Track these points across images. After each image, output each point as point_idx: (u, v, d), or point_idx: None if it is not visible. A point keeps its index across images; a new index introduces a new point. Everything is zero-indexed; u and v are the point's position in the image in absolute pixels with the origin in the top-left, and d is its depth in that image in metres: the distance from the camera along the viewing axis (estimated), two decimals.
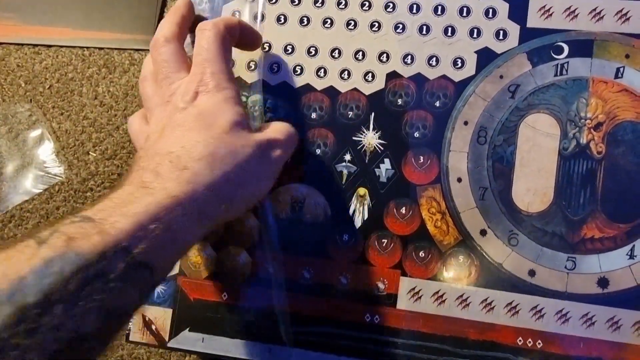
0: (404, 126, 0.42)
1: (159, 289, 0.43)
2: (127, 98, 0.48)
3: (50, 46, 0.48)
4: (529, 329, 0.40)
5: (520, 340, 0.40)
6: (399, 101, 0.42)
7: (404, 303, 0.41)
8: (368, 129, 0.42)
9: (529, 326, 0.40)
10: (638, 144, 0.39)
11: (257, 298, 0.42)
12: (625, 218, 0.39)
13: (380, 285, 0.41)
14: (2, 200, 0.44)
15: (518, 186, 0.40)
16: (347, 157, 0.42)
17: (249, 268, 0.43)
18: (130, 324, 0.42)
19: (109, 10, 0.45)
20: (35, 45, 0.49)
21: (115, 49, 0.46)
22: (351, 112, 0.43)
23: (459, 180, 0.41)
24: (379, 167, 0.42)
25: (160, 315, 0.43)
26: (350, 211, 0.42)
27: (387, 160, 0.42)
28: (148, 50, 0.34)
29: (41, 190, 0.45)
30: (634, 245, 0.39)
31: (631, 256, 0.39)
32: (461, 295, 0.40)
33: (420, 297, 0.41)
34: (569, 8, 0.41)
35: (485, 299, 0.40)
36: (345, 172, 0.42)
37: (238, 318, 0.42)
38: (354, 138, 0.42)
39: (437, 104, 0.41)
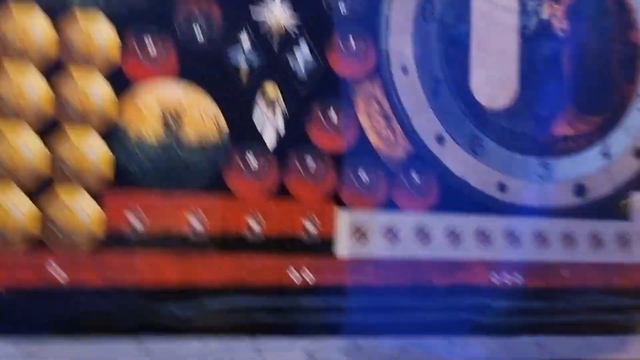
0: None
1: None
2: None
3: None
4: (504, 261, 0.30)
5: (495, 277, 0.30)
6: None
7: (345, 248, 0.28)
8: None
9: (504, 256, 0.30)
10: (601, 19, 0.32)
11: (119, 271, 0.26)
12: (596, 109, 0.32)
13: (310, 227, 0.28)
14: None
15: (477, 75, 0.31)
16: (245, 41, 0.28)
17: (99, 223, 0.26)
18: None
19: None
20: None
21: None
22: None
23: (405, 70, 0.30)
24: (294, 56, 0.28)
25: None
26: (256, 121, 0.28)
27: (304, 45, 0.29)
28: None
29: None
30: (607, 143, 0.32)
31: (606, 154, 0.32)
32: (420, 227, 0.29)
33: (366, 238, 0.29)
34: None
35: (450, 228, 0.30)
36: (243, 64, 0.28)
37: (89, 308, 0.25)
38: (252, 14, 0.28)
39: None
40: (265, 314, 0.27)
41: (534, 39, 0.31)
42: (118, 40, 0.27)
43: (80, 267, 0.26)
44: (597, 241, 0.31)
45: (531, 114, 0.31)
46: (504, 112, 0.31)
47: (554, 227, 0.31)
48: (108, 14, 0.26)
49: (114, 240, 0.26)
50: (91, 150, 0.26)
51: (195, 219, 0.27)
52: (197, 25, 0.28)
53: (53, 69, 0.26)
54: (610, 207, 0.32)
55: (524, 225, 0.31)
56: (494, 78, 0.30)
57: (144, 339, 0.26)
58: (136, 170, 0.27)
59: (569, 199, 0.31)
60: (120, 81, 0.27)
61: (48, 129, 0.26)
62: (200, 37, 0.28)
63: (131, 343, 0.26)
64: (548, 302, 0.31)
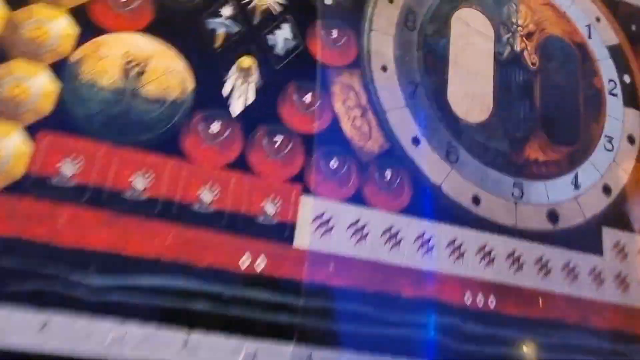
0: None
1: None
2: None
3: None
4: (478, 280, 0.27)
5: (468, 297, 0.27)
6: None
7: (305, 238, 0.25)
8: None
9: (478, 275, 0.27)
10: (567, 62, 0.34)
11: (34, 222, 0.21)
12: (565, 140, 0.32)
13: (269, 208, 0.25)
14: None
15: (454, 88, 0.30)
16: (226, 11, 0.27)
17: (22, 164, 0.22)
18: None
19: None
20: None
21: None
22: None
23: (384, 69, 0.29)
24: (274, 34, 0.28)
25: None
26: (227, 88, 0.26)
27: (286, 27, 0.28)
28: None
29: None
30: (577, 173, 0.32)
31: (576, 185, 0.31)
32: (389, 228, 0.26)
33: (331, 229, 0.25)
34: None
35: (422, 234, 0.27)
36: (221, 31, 0.27)
37: None
38: None
39: None
40: (203, 301, 0.23)
41: (507, 66, 0.32)
42: None
43: None
44: (571, 273, 0.29)
45: (504, 132, 0.30)
46: (479, 126, 0.30)
47: (529, 250, 0.29)
48: None
49: (36, 183, 0.22)
50: (35, 83, 0.23)
51: (137, 178, 0.23)
52: None
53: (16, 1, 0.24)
54: (583, 239, 0.30)
55: (498, 243, 0.28)
56: (469, 93, 0.30)
57: (48, 310, 0.20)
58: (80, 113, 0.23)
59: (542, 223, 0.30)
60: (86, 24, 0.24)
61: None
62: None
63: (30, 313, 0.20)
64: (523, 333, 0.27)
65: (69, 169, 0.22)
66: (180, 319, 0.22)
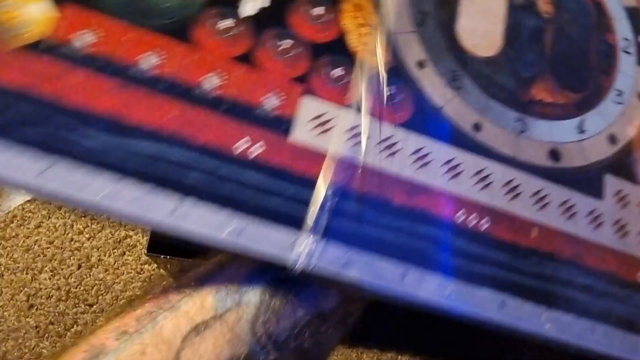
0: None
1: None
2: None
3: None
4: (472, 200, 0.27)
5: (462, 214, 0.27)
6: None
7: (302, 133, 0.26)
8: None
9: (473, 196, 0.28)
10: (581, 16, 0.34)
11: (46, 78, 0.23)
12: (573, 87, 0.32)
13: (271, 101, 0.26)
14: (5, 201, 0.45)
15: (464, 23, 0.31)
16: None
17: (43, 28, 0.23)
18: None
19: None
20: None
21: None
22: None
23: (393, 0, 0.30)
24: None
25: None
26: None
27: None
28: None
29: None
30: (583, 119, 0.32)
31: (581, 130, 0.31)
32: (388, 138, 0.27)
33: (327, 130, 0.26)
34: None
35: (420, 149, 0.27)
36: None
37: None
38: None
39: None
40: (196, 173, 0.23)
41: (520, 10, 0.32)
42: None
43: (4, 63, 0.23)
44: (569, 210, 0.29)
45: (512, 70, 0.31)
46: (486, 60, 0.30)
47: (527, 182, 0.29)
48: None
49: (54, 48, 0.23)
50: None
51: (150, 56, 0.25)
52: None
53: None
54: (583, 181, 0.30)
55: (496, 170, 0.28)
56: (479, 30, 0.31)
57: (51, 157, 0.22)
58: None
59: (542, 160, 0.30)
60: None
61: None
62: None
63: (35, 157, 0.21)
64: (515, 258, 0.27)
65: (86, 38, 0.24)
66: (173, 187, 0.23)
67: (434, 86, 0.29)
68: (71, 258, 0.53)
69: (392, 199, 0.26)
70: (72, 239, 0.53)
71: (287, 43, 0.27)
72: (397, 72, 0.28)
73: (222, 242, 0.23)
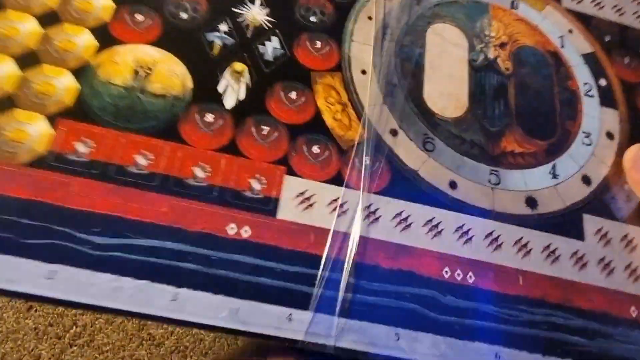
0: (298, 9, 0.34)
1: None
2: None
3: None
4: (456, 256, 0.29)
5: (446, 271, 0.28)
6: None
7: (288, 211, 0.28)
8: (253, 2, 0.33)
9: (456, 252, 0.29)
10: (541, 68, 0.37)
11: (50, 189, 0.25)
12: (541, 135, 0.34)
13: (256, 185, 0.28)
14: None
15: (430, 88, 0.33)
16: (223, 27, 0.32)
17: (44, 144, 0.26)
18: None
19: None
20: None
21: None
22: None
23: (363, 72, 0.33)
24: (264, 45, 0.32)
25: None
26: (221, 87, 0.30)
27: (275, 39, 0.32)
28: None
29: None
30: (555, 164, 0.33)
31: (554, 175, 0.33)
32: (368, 206, 0.29)
33: (311, 205, 0.28)
34: None
35: (400, 213, 0.29)
36: (218, 42, 0.31)
37: (6, 218, 0.24)
38: (233, 9, 0.33)
39: None
40: (192, 261, 0.25)
41: (481, 70, 0.35)
42: (113, 5, 0.31)
43: (12, 179, 0.25)
44: (552, 254, 0.30)
45: (480, 127, 0.33)
46: (455, 121, 0.33)
47: (507, 232, 0.30)
48: None
49: (55, 161, 0.26)
50: (59, 82, 0.28)
51: (141, 156, 0.27)
52: (184, 9, 0.32)
53: (49, 17, 0.29)
54: (563, 224, 0.31)
55: (476, 224, 0.30)
56: (445, 93, 0.33)
57: (57, 262, 0.23)
58: (96, 105, 0.28)
59: (520, 208, 0.31)
60: (106, 37, 0.29)
61: (26, 59, 0.28)
62: (185, 17, 0.32)
63: (39, 262, 0.23)
64: (504, 308, 0.28)
65: (82, 148, 0.26)
66: (171, 276, 0.25)
67: (408, 151, 0.31)
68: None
69: (379, 264, 0.27)
70: None
71: (266, 128, 0.29)
72: (372, 142, 0.31)
73: (220, 325, 0.24)
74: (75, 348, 0.48)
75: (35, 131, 0.26)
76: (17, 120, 0.26)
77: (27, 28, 0.29)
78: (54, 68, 0.28)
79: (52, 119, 0.27)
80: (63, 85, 0.27)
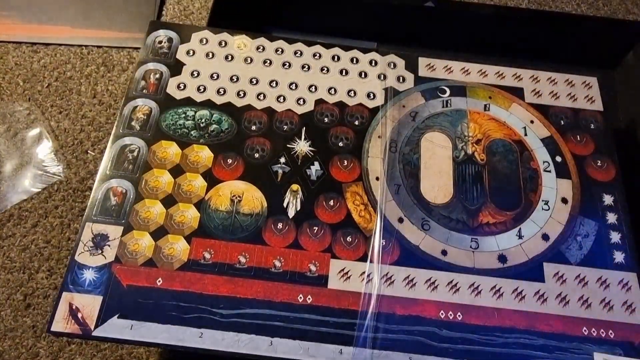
0: (330, 138, 0.50)
1: (91, 276, 0.42)
2: None
3: (48, 44, 0.47)
4: (448, 303, 0.43)
5: (442, 314, 0.43)
6: (325, 119, 0.51)
7: (334, 283, 0.43)
8: (300, 138, 0.50)
9: (448, 299, 0.43)
10: (508, 154, 0.50)
11: (193, 283, 0.42)
12: (509, 207, 0.48)
13: (312, 268, 0.44)
14: (1, 200, 0.44)
15: (425, 184, 0.48)
16: (282, 160, 0.49)
17: (186, 255, 0.44)
18: (55, 311, 0.40)
19: (108, 9, 0.50)
20: (33, 44, 0.48)
21: (114, 47, 0.47)
22: (286, 126, 0.51)
23: (377, 178, 0.48)
24: (310, 169, 0.48)
25: (89, 303, 0.41)
26: (285, 204, 0.47)
27: (317, 163, 0.49)
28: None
29: (40, 190, 0.44)
30: (520, 228, 0.47)
31: (520, 236, 0.47)
32: (386, 274, 0.44)
33: (349, 277, 0.44)
34: (446, 66, 0.56)
35: (408, 276, 0.44)
36: (280, 171, 0.48)
37: (171, 303, 0.41)
38: (288, 146, 0.50)
39: (356, 122, 0.51)
40: (280, 321, 0.41)
41: (462, 164, 0.49)
42: (211, 154, 0.49)
43: (171, 278, 0.43)
44: (519, 295, 0.44)
45: (462, 207, 0.47)
46: (443, 206, 0.47)
47: (484, 282, 0.44)
48: (209, 145, 0.49)
49: (193, 265, 0.43)
50: (189, 213, 0.46)
51: (241, 257, 0.44)
52: (256, 150, 0.49)
53: (176, 170, 0.48)
54: (527, 272, 0.45)
55: (462, 279, 0.44)
56: (436, 186, 0.48)
57: (202, 327, 0.41)
58: (211, 226, 0.45)
59: (494, 264, 0.45)
60: (212, 178, 0.47)
61: (168, 200, 0.46)
62: (257, 156, 0.49)
63: (193, 328, 0.41)
64: (484, 335, 0.42)
65: (207, 255, 0.44)
66: (268, 330, 0.41)
67: (411, 232, 0.46)
68: (68, 257, 0.50)
69: (395, 312, 0.42)
70: (69, 238, 0.50)
71: (316, 228, 0.46)
72: (385, 229, 0.46)
73: (298, 359, 0.40)
74: (73, 346, 0.46)
75: (179, 247, 0.44)
76: (169, 241, 0.44)
77: (165, 179, 0.47)
78: (184, 204, 0.46)
79: (188, 238, 0.44)
80: (191, 215, 0.45)
